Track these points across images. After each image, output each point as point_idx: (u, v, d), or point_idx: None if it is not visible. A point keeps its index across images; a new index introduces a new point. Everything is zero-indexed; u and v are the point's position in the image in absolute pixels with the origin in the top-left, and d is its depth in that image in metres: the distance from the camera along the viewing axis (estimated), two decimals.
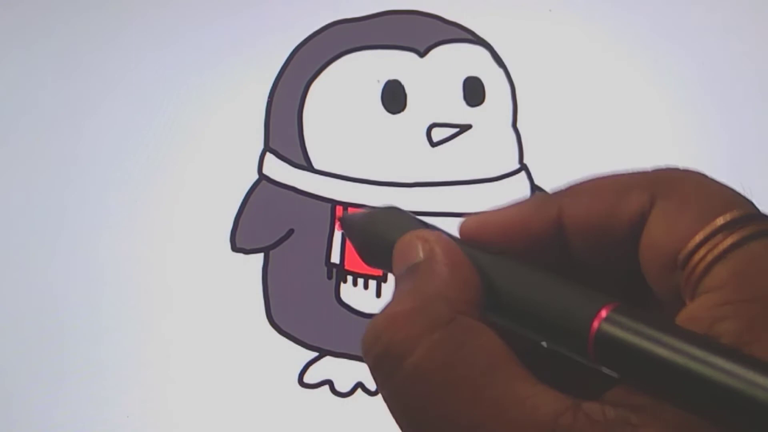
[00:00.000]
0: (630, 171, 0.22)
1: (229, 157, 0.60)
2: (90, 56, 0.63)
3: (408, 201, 0.58)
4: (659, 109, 0.61)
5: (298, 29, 0.63)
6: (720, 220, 0.18)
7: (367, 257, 0.25)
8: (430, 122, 0.60)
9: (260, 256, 0.57)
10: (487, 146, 0.60)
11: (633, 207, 0.20)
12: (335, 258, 0.57)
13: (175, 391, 0.54)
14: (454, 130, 0.60)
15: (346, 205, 0.58)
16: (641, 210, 0.20)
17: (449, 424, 0.18)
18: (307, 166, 0.59)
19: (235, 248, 0.57)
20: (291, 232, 0.58)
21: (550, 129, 0.60)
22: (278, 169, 0.59)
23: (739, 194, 0.20)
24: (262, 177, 0.59)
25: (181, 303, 0.56)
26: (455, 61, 0.61)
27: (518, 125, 0.60)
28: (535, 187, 0.59)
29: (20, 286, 0.57)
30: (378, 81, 0.61)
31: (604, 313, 0.19)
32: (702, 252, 0.18)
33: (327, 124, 0.60)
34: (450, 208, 0.58)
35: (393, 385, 0.19)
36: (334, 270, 0.57)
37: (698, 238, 0.18)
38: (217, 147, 0.60)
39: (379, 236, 0.24)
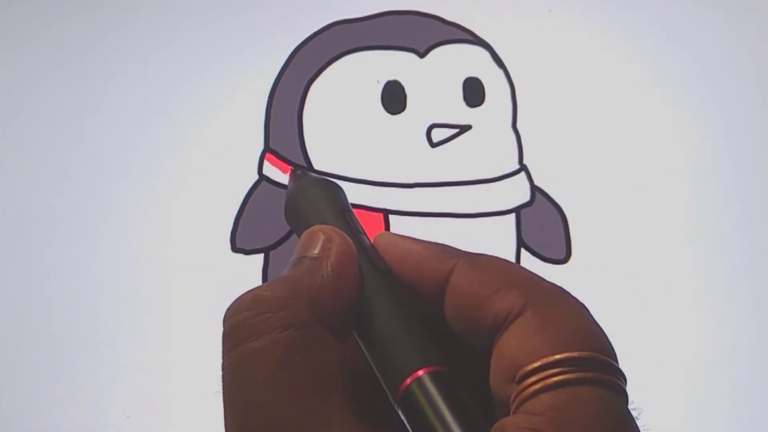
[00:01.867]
0: (520, 269, 0.23)
1: (229, 158, 0.60)
2: (90, 57, 0.63)
3: (408, 201, 0.58)
4: (659, 109, 0.61)
5: (298, 29, 0.63)
6: (564, 355, 0.19)
7: (287, 217, 0.26)
8: (430, 123, 0.60)
9: (260, 256, 0.57)
10: (487, 147, 0.60)
11: (503, 305, 0.21)
12: None
13: (176, 391, 0.54)
14: (454, 131, 0.60)
15: None
16: (508, 312, 0.21)
17: (248, 414, 0.19)
18: (307, 166, 0.59)
19: (235, 249, 0.57)
20: (291, 232, 0.58)
21: (550, 129, 0.60)
22: (278, 170, 0.59)
23: (600, 336, 0.21)
24: (262, 177, 0.59)
25: (182, 303, 0.56)
26: (455, 62, 0.61)
27: (518, 126, 0.60)
28: (535, 188, 0.59)
29: (20, 286, 0.57)
30: (378, 81, 0.61)
31: (420, 373, 0.20)
32: (538, 376, 0.19)
33: (327, 125, 0.60)
34: (450, 208, 0.58)
35: (229, 358, 0.20)
36: None
37: (536, 364, 0.19)
38: (217, 147, 0.60)
39: (302, 210, 0.25)
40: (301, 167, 0.26)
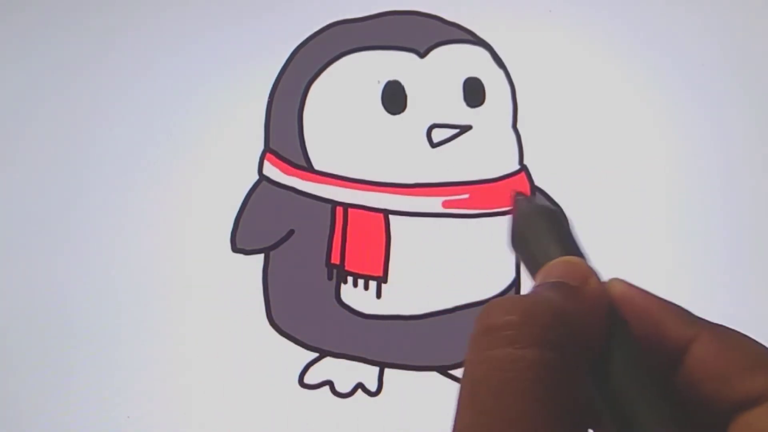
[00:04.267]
0: (766, 350, 0.22)
1: (229, 158, 0.60)
2: (92, 59, 0.63)
3: (408, 201, 0.58)
4: (659, 109, 0.61)
5: (298, 29, 0.63)
6: None
7: (516, 245, 0.25)
8: (431, 123, 0.60)
9: (260, 256, 0.57)
10: (487, 147, 0.60)
11: (756, 385, 0.21)
12: (335, 259, 0.57)
13: (176, 391, 0.54)
14: (455, 131, 0.60)
15: (346, 206, 0.58)
16: (760, 393, 0.21)
17: (493, 420, 0.19)
18: (307, 166, 0.59)
19: (235, 249, 0.57)
20: (291, 232, 0.58)
21: (550, 130, 0.60)
22: (278, 170, 0.59)
23: None
24: (263, 177, 0.59)
25: (182, 303, 0.56)
26: (455, 62, 0.61)
27: (518, 126, 0.60)
28: (535, 188, 0.59)
29: (19, 287, 0.57)
30: (378, 81, 0.61)
31: None
32: None
33: (327, 125, 0.60)
34: (450, 208, 0.58)
35: (485, 356, 0.20)
36: (335, 271, 0.57)
37: None
38: (217, 147, 0.60)
39: (536, 239, 0.24)
40: (521, 193, 0.25)
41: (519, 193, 0.26)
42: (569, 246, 0.24)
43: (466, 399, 0.19)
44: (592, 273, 0.23)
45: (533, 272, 0.24)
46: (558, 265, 0.23)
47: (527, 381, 0.19)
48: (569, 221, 0.25)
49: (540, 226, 0.24)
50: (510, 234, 0.25)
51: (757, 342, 0.22)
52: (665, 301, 0.23)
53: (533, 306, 0.20)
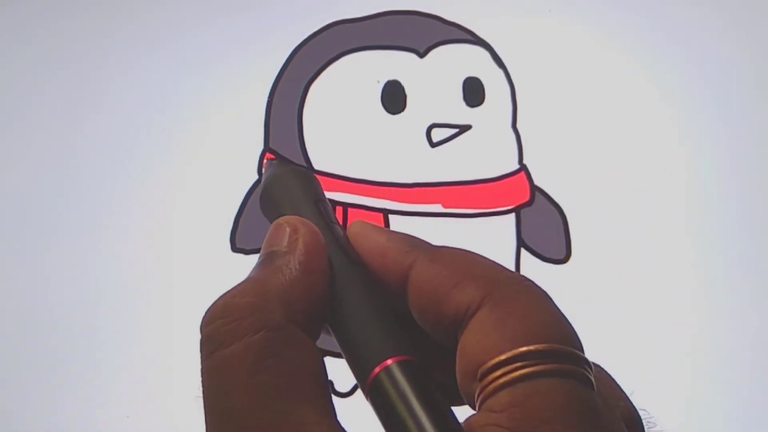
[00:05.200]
0: (481, 260, 0.22)
1: (229, 157, 0.60)
2: (90, 57, 0.63)
3: (408, 201, 0.58)
4: (659, 109, 0.61)
5: (298, 29, 0.63)
6: (522, 349, 0.19)
7: (262, 208, 0.26)
8: (430, 123, 0.60)
9: None
10: (486, 147, 0.60)
11: (462, 299, 0.20)
12: None
13: (175, 391, 0.54)
14: (454, 131, 0.60)
15: (346, 206, 0.58)
16: (467, 306, 0.20)
17: (224, 421, 0.20)
18: (307, 166, 0.59)
19: (235, 248, 0.57)
20: None
21: (550, 129, 0.60)
22: None
23: (563, 325, 0.20)
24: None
25: (182, 303, 0.56)
26: (455, 62, 0.61)
27: (518, 126, 0.60)
28: (534, 188, 0.59)
29: (20, 287, 0.57)
30: (378, 81, 0.61)
31: (389, 362, 0.20)
32: (498, 373, 0.19)
33: (327, 124, 0.60)
34: (450, 208, 0.58)
35: (205, 366, 0.20)
36: None
37: (498, 358, 0.19)
38: (217, 147, 0.60)
39: (275, 199, 0.25)
40: (278, 156, 0.26)
41: (271, 158, 0.27)
42: (296, 203, 0.24)
43: (205, 414, 0.20)
44: (302, 226, 0.22)
45: None
46: (270, 232, 0.23)
47: (242, 372, 0.19)
48: (310, 179, 0.25)
49: (278, 190, 0.25)
50: (259, 198, 0.26)
51: (470, 254, 0.22)
52: (393, 232, 0.23)
53: (227, 305, 0.21)
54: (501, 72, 0.61)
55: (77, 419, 0.54)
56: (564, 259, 0.57)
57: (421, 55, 0.61)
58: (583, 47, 0.62)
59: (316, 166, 0.59)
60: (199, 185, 0.59)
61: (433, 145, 0.59)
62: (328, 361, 0.57)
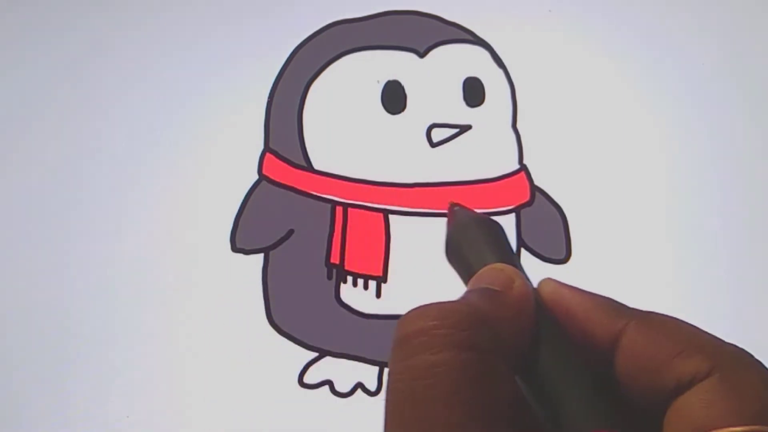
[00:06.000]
0: (700, 331, 0.22)
1: (229, 157, 0.60)
2: (91, 57, 0.63)
3: (408, 201, 0.58)
4: (659, 109, 0.61)
5: (298, 29, 0.63)
6: (752, 428, 0.19)
7: (450, 255, 0.25)
8: (430, 123, 0.60)
9: (260, 256, 0.57)
10: (487, 147, 0.60)
11: (688, 368, 0.20)
12: (335, 258, 0.57)
13: (175, 391, 0.54)
14: (454, 131, 0.60)
15: (346, 206, 0.58)
16: (693, 375, 0.20)
17: (419, 428, 0.19)
18: (307, 166, 0.59)
19: (235, 248, 0.57)
20: (291, 232, 0.58)
21: (550, 129, 0.60)
22: (278, 170, 0.59)
23: None
24: (262, 177, 0.59)
25: (182, 303, 0.56)
26: (455, 62, 0.61)
27: (518, 126, 0.60)
28: (534, 188, 0.59)
29: (20, 287, 0.57)
30: (378, 81, 0.61)
31: None
32: None
33: (327, 124, 0.60)
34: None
35: (403, 366, 0.20)
36: (334, 270, 0.57)
37: (728, 430, 0.19)
38: (217, 147, 0.60)
39: (469, 249, 0.24)
40: (458, 204, 0.26)
41: (455, 204, 0.27)
42: (499, 254, 0.24)
43: (391, 414, 0.20)
44: (517, 277, 0.23)
45: (466, 282, 0.24)
46: (484, 273, 0.23)
47: (446, 385, 0.19)
48: (502, 230, 0.25)
49: (473, 236, 0.25)
50: (445, 244, 0.26)
51: (686, 324, 0.22)
52: (595, 295, 0.23)
53: (446, 310, 0.20)
54: (501, 72, 0.61)
55: (77, 419, 0.54)
56: (564, 259, 0.57)
57: (421, 55, 0.61)
58: (583, 47, 0.62)
59: (316, 166, 0.59)
60: (199, 185, 0.59)
61: (433, 145, 0.59)
62: (328, 361, 0.57)
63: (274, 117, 0.61)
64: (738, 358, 0.21)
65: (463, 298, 0.22)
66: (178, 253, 0.57)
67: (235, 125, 0.60)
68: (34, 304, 0.56)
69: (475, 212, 0.26)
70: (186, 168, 0.59)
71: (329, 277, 0.57)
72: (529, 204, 0.58)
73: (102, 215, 0.58)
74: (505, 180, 0.59)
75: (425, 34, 0.62)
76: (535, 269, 0.57)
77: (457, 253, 0.25)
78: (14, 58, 0.63)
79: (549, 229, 0.58)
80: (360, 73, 0.61)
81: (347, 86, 0.61)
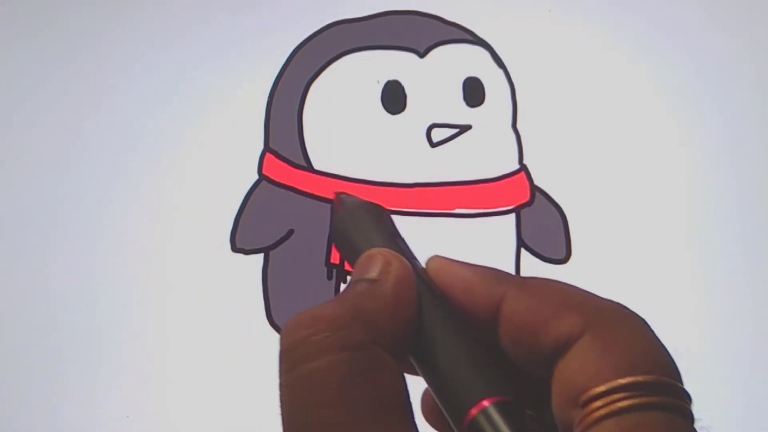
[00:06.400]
0: (575, 290, 0.22)
1: (229, 157, 0.60)
2: (90, 57, 0.63)
3: (408, 201, 0.58)
4: (659, 109, 0.61)
5: (298, 29, 0.63)
6: (627, 379, 0.19)
7: (336, 241, 0.26)
8: (430, 123, 0.60)
9: (260, 256, 0.57)
10: (487, 147, 0.60)
11: (562, 329, 0.20)
12: (335, 258, 0.57)
13: (175, 391, 0.54)
14: (454, 131, 0.60)
15: None
16: (568, 336, 0.20)
17: None
18: (307, 166, 0.59)
19: (235, 249, 0.57)
20: (291, 232, 0.58)
21: (550, 129, 0.60)
22: (278, 170, 0.59)
23: (664, 356, 0.20)
24: (262, 177, 0.59)
25: (182, 303, 0.56)
26: (455, 62, 0.61)
27: (518, 126, 0.60)
28: (534, 188, 0.59)
29: (19, 286, 0.57)
30: (378, 81, 0.61)
31: (485, 403, 0.20)
32: (600, 402, 0.19)
33: (327, 124, 0.60)
34: (450, 208, 0.58)
35: (287, 378, 0.20)
36: (334, 270, 0.57)
37: (601, 388, 0.19)
38: (217, 147, 0.60)
39: (353, 234, 0.25)
40: (344, 192, 0.25)
41: (341, 192, 0.27)
42: (382, 237, 0.24)
43: (285, 426, 0.20)
44: (394, 259, 0.22)
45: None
46: (361, 261, 0.23)
47: (328, 389, 0.19)
48: (387, 212, 0.25)
49: (358, 221, 0.25)
50: (332, 230, 0.26)
51: (564, 285, 0.22)
52: (477, 266, 0.23)
53: (317, 316, 0.21)
54: (501, 72, 0.61)
55: (77, 419, 0.54)
56: (564, 259, 0.57)
57: (421, 55, 0.61)
58: (583, 47, 0.62)
59: (316, 166, 0.59)
60: (199, 185, 0.59)
61: (433, 145, 0.59)
62: None
63: (274, 117, 0.61)
64: (610, 312, 0.21)
65: (341, 294, 0.22)
66: (178, 253, 0.57)
67: (235, 125, 0.60)
68: (34, 305, 0.56)
69: (360, 198, 0.26)
70: (186, 168, 0.59)
71: (329, 277, 0.57)
72: (529, 204, 0.58)
73: (101, 215, 0.58)
74: (505, 180, 0.59)
75: (425, 34, 0.62)
76: (535, 269, 0.57)
77: (343, 239, 0.25)
78: (14, 58, 0.63)
79: (549, 229, 0.58)
80: (360, 73, 0.61)
81: (347, 86, 0.61)
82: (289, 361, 0.20)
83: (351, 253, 0.24)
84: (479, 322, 0.22)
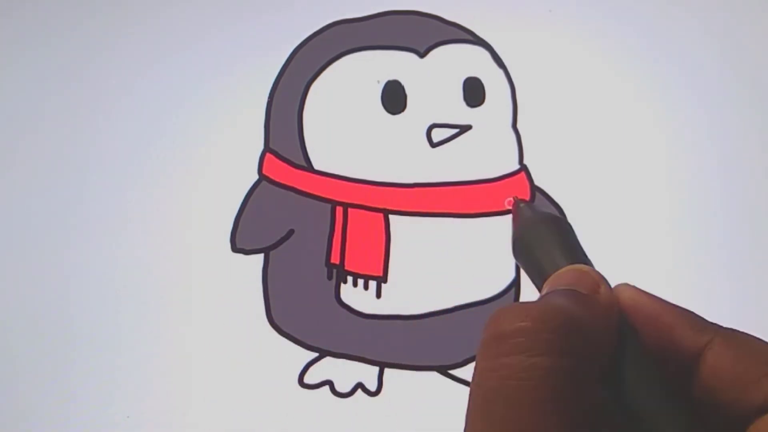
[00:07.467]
0: None
1: (229, 157, 0.60)
2: (90, 57, 0.63)
3: (408, 201, 0.58)
4: (659, 109, 0.61)
5: (298, 29, 0.63)
6: None
7: (518, 254, 0.25)
8: (430, 123, 0.60)
9: (260, 256, 0.57)
10: (487, 147, 0.60)
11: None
12: (335, 258, 0.57)
13: (175, 391, 0.54)
14: (454, 131, 0.60)
15: (346, 206, 0.58)
16: None
17: (502, 429, 0.19)
18: (307, 166, 0.59)
19: (235, 249, 0.57)
20: (291, 232, 0.58)
21: (550, 129, 0.60)
22: (278, 170, 0.59)
23: None
24: (262, 177, 0.59)
25: (182, 303, 0.56)
26: (455, 62, 0.61)
27: (518, 126, 0.60)
28: (534, 188, 0.59)
29: (20, 287, 0.57)
30: (378, 81, 0.61)
31: None
32: None
33: (327, 124, 0.60)
34: (450, 208, 0.58)
35: (501, 363, 0.19)
36: (335, 270, 0.57)
37: None
38: (217, 147, 0.60)
39: (542, 247, 0.24)
40: (523, 200, 0.25)
41: (520, 200, 0.26)
42: (576, 254, 0.24)
43: (478, 408, 0.19)
44: (602, 281, 0.23)
45: (538, 281, 0.23)
46: (568, 273, 0.23)
47: (541, 390, 0.19)
48: (572, 228, 0.25)
49: (544, 234, 0.24)
50: (513, 242, 0.25)
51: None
52: (675, 306, 0.23)
53: (545, 313, 0.20)
54: (501, 72, 0.61)
55: (77, 419, 0.54)
56: None
57: (421, 55, 0.61)
58: (583, 47, 0.62)
59: (316, 166, 0.59)
60: (200, 185, 0.59)
61: (433, 145, 0.59)
62: (328, 360, 0.57)
63: (274, 117, 0.61)
64: None
65: (549, 300, 0.22)
66: (178, 253, 0.57)
67: (235, 125, 0.60)
68: (34, 305, 0.56)
69: (541, 207, 0.25)
70: (186, 168, 0.59)
71: (329, 278, 0.57)
72: None
73: (102, 216, 0.58)
74: (505, 180, 0.59)
75: (425, 34, 0.62)
76: None
77: (527, 253, 0.24)
78: (14, 58, 0.63)
79: None
80: (360, 73, 0.61)
81: (347, 86, 0.61)
82: (503, 346, 0.19)
83: (536, 267, 0.23)
84: (671, 362, 0.22)
